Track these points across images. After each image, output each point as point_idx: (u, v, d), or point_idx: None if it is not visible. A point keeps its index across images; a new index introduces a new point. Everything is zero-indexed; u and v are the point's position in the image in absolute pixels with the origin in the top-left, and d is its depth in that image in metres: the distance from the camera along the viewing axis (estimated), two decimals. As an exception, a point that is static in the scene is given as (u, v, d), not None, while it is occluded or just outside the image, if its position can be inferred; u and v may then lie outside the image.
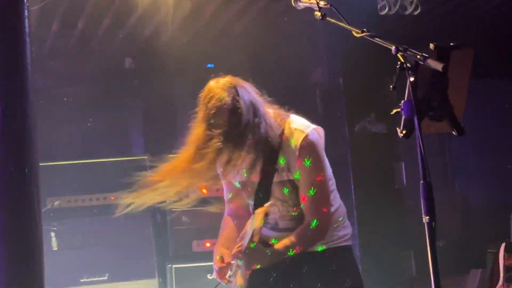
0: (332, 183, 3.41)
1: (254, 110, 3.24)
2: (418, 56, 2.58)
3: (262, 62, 7.17)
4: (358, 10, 5.05)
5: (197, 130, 3.25)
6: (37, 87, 3.01)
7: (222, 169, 3.35)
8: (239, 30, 6.56)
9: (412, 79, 2.57)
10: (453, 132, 2.77)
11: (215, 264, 3.43)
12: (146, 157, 5.92)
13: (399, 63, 2.61)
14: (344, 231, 3.44)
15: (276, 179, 3.31)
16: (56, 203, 5.77)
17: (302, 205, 3.30)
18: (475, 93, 3.40)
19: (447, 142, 6.54)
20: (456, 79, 2.73)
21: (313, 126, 3.36)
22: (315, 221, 3.26)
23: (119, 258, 5.79)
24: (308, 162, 3.25)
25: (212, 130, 3.18)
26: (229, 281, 3.39)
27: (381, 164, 6.42)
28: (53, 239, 5.63)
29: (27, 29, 2.90)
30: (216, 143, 3.17)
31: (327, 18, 3.02)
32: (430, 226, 2.52)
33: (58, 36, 6.27)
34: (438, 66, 2.53)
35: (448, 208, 6.47)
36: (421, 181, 2.56)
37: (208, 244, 5.87)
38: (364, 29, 2.82)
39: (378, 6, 6.00)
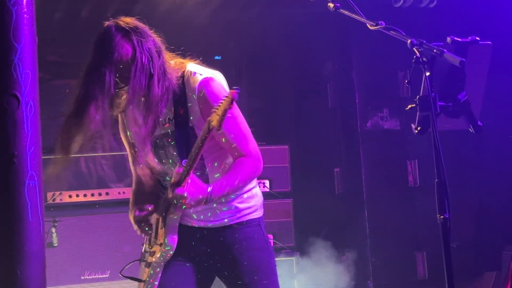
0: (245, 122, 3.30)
1: (158, 52, 3.20)
2: (435, 50, 2.59)
3: (273, 53, 7.18)
4: (372, 2, 5.05)
5: (93, 73, 3.18)
6: (39, 78, 3.02)
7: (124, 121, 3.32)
8: (248, 20, 6.56)
9: (428, 73, 2.58)
10: (470, 129, 2.78)
11: (134, 215, 3.33)
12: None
13: (414, 57, 2.63)
14: (248, 203, 3.35)
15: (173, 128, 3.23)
16: (58, 197, 5.79)
17: (225, 148, 3.20)
18: (493, 89, 3.40)
19: (463, 139, 6.53)
20: (473, 74, 2.73)
21: (212, 70, 3.30)
22: (244, 152, 3.18)
23: (121, 255, 5.80)
24: (213, 102, 3.12)
25: (115, 74, 3.14)
26: (149, 233, 3.34)
27: (394, 161, 6.42)
28: (54, 234, 5.65)
29: (32, 18, 2.92)
30: (121, 86, 3.15)
31: (340, 9, 3.03)
32: (444, 226, 2.53)
33: (60, 24, 6.29)
34: (455, 61, 2.54)
35: (461, 208, 6.47)
36: (436, 180, 2.57)
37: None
38: (379, 22, 2.83)
39: (393, -2, 6.01)
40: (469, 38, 2.76)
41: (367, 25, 2.87)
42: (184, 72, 3.26)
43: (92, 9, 6.08)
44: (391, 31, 2.77)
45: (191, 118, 3.21)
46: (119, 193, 5.89)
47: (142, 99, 3.18)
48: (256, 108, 7.23)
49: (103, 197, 5.89)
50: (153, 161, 3.32)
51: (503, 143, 6.45)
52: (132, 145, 3.42)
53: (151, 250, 3.36)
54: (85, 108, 3.19)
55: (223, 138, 3.18)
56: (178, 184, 3.08)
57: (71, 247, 5.75)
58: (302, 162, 6.91)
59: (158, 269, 3.30)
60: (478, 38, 2.78)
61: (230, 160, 3.25)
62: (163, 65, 3.20)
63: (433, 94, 2.57)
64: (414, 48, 2.63)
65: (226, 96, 2.95)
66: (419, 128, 2.68)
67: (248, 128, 3.26)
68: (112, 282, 5.81)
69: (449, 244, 2.54)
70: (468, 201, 6.62)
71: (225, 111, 2.93)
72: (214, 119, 2.95)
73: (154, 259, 3.31)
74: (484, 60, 2.84)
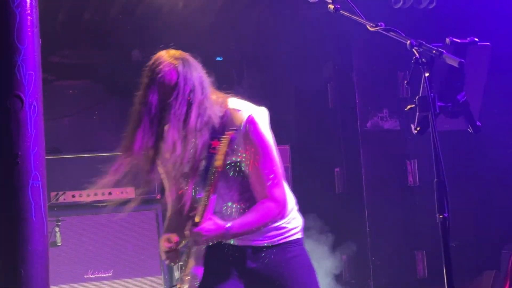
0: (280, 167, 3.36)
1: (202, 87, 3.24)
2: (434, 51, 2.59)
3: (274, 55, 7.18)
4: (371, 3, 5.05)
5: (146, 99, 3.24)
6: (42, 79, 3.03)
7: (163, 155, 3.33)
8: (249, 22, 6.57)
9: (427, 74, 2.58)
10: (469, 129, 2.77)
11: (162, 245, 3.39)
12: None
13: (414, 58, 2.62)
14: (294, 224, 3.45)
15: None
16: (61, 197, 5.80)
17: (252, 188, 3.27)
18: (492, 89, 3.40)
19: (462, 139, 6.54)
20: (472, 74, 2.73)
21: (255, 106, 3.34)
22: (270, 196, 3.26)
23: (124, 254, 5.81)
24: (252, 141, 3.23)
25: (158, 96, 3.20)
26: (178, 262, 3.40)
27: (394, 161, 6.42)
28: (57, 234, 5.65)
29: (36, 20, 2.92)
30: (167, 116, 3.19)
31: (340, 11, 3.03)
32: (444, 225, 2.53)
33: (63, 26, 6.29)
34: (454, 62, 2.54)
35: (460, 208, 6.46)
36: (435, 179, 2.57)
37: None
38: (379, 23, 2.83)
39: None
40: (468, 39, 2.76)
41: (367, 26, 2.88)
42: (226, 109, 3.28)
43: (94, 11, 6.08)
44: (391, 32, 2.77)
45: (235, 152, 3.25)
46: (121, 192, 5.89)
47: (181, 129, 3.21)
48: (257, 108, 7.22)
49: (106, 197, 5.89)
50: (178, 191, 3.42)
51: (502, 143, 6.44)
52: (167, 174, 3.45)
53: (182, 277, 3.42)
54: (136, 130, 3.30)
55: (257, 177, 3.25)
56: (195, 222, 3.16)
57: (74, 246, 5.75)
58: (303, 162, 6.91)
59: None
60: (477, 39, 2.78)
61: None
62: (205, 101, 3.23)
63: (432, 94, 2.57)
64: (413, 49, 2.63)
65: (225, 137, 3.07)
66: (418, 128, 2.68)
67: (282, 173, 3.33)
68: (115, 281, 5.81)
69: (448, 243, 2.54)
70: (468, 200, 6.62)
71: (225, 152, 3.06)
72: (218, 160, 3.07)
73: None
74: (483, 61, 2.84)
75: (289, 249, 3.39)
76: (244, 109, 3.28)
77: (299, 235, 3.45)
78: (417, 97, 2.64)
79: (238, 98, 3.37)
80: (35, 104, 2.87)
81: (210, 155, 3.22)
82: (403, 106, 2.75)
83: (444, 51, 2.58)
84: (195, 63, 3.32)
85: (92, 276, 5.77)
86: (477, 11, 6.22)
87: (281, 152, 6.28)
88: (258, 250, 3.37)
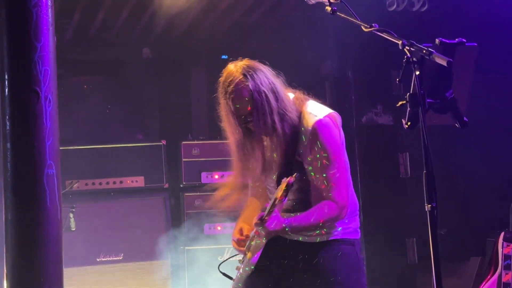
0: (347, 170, 3.32)
1: (274, 92, 3.21)
2: (424, 51, 2.58)
3: (274, 54, 7.16)
4: (367, 6, 5.03)
5: (229, 124, 3.24)
6: (58, 75, 3.03)
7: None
8: (252, 23, 6.56)
9: (417, 72, 2.58)
10: (456, 124, 2.77)
11: (233, 235, 3.40)
12: (161, 143, 5.97)
13: (405, 57, 2.62)
14: (350, 224, 3.38)
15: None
16: (75, 185, 5.80)
17: (317, 188, 3.22)
18: (478, 87, 3.39)
19: (450, 133, 6.54)
20: (460, 73, 2.73)
21: (330, 111, 3.31)
22: (332, 197, 3.20)
23: (134, 239, 5.82)
24: (320, 145, 3.20)
25: (242, 118, 3.17)
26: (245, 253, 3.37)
27: (387, 154, 6.42)
28: (72, 219, 5.66)
29: (52, 19, 2.92)
30: (254, 133, 3.19)
31: (337, 13, 3.02)
32: (432, 214, 2.52)
33: (78, 25, 6.29)
34: (443, 61, 2.53)
35: (449, 198, 6.46)
36: (424, 171, 2.56)
37: (219, 228, 5.90)
38: (373, 24, 2.82)
39: (387, 2, 5.99)
40: (456, 40, 2.76)
41: (362, 27, 2.87)
42: (302, 110, 3.26)
43: (107, 11, 6.07)
44: (384, 33, 2.77)
45: (301, 152, 3.23)
46: (132, 181, 5.90)
47: (266, 137, 3.23)
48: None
49: (117, 185, 5.91)
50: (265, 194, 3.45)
51: (486, 137, 6.44)
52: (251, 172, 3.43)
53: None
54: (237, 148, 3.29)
55: (322, 179, 3.20)
56: (263, 216, 3.13)
57: (87, 231, 5.76)
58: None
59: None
60: (464, 40, 2.77)
61: None
62: (281, 104, 3.21)
63: (422, 91, 2.56)
64: (405, 49, 2.62)
65: (283, 182, 3.06)
66: (409, 123, 2.67)
67: (346, 177, 3.29)
68: (125, 264, 5.82)
69: (436, 231, 2.53)
70: (455, 191, 6.62)
71: (282, 195, 3.06)
72: (279, 193, 3.07)
73: (239, 271, 3.37)
74: (470, 60, 2.83)
75: (335, 247, 3.31)
76: (317, 113, 3.25)
77: (350, 236, 3.37)
78: (408, 94, 2.63)
79: (316, 101, 3.34)
80: (51, 98, 2.87)
81: (288, 155, 3.22)
82: (396, 102, 2.74)
83: (433, 51, 2.57)
84: (264, 68, 3.30)
85: (104, 259, 5.79)
86: (465, 14, 6.21)
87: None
88: (304, 245, 3.32)
